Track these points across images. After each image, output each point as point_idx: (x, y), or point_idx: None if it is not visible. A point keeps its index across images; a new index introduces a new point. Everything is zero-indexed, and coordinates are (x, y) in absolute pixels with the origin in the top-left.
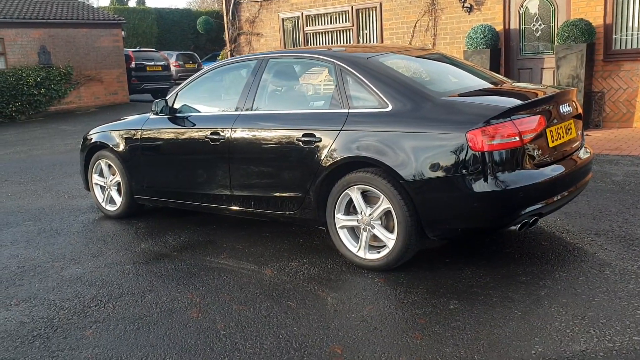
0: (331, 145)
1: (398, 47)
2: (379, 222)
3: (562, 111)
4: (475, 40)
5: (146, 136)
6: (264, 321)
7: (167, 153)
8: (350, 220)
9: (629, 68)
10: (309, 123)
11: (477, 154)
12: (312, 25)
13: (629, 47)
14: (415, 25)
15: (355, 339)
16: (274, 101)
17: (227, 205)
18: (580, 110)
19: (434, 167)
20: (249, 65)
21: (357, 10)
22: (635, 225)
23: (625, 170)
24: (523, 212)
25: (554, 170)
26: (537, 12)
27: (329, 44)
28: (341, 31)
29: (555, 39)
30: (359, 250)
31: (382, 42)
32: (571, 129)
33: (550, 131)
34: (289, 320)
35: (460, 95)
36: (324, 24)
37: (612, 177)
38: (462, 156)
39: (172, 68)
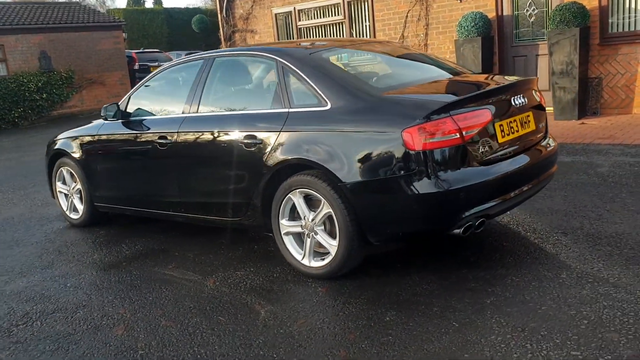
0: (272, 147)
1: (360, 40)
2: (322, 227)
3: (515, 103)
4: (466, 28)
5: (100, 142)
6: (187, 339)
7: (119, 159)
8: (295, 226)
9: (626, 52)
10: (251, 124)
11: (414, 153)
12: (305, 19)
13: (626, 29)
14: (407, 16)
15: (275, 358)
16: (219, 102)
17: (178, 211)
18: (542, 101)
19: (372, 168)
20: (196, 65)
21: (349, 3)
22: (608, 221)
23: (613, 160)
24: (466, 214)
25: (505, 167)
26: None
27: (321, 37)
28: (333, 25)
29: (548, 23)
30: (303, 258)
31: (374, 34)
32: (529, 121)
33: (501, 125)
34: (214, 337)
35: (403, 90)
36: (316, 17)
37: (597, 169)
38: (398, 156)
39: None
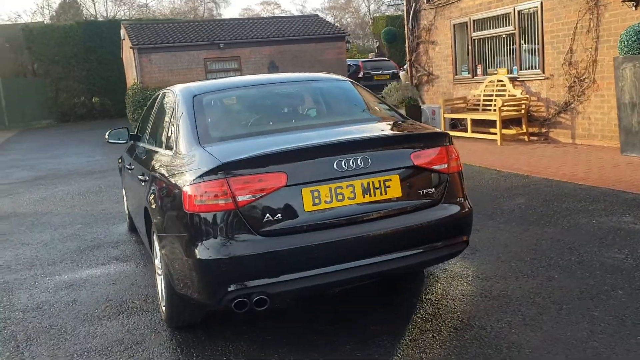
0: (147, 187)
1: (290, 78)
2: None
3: (344, 166)
4: (626, 44)
5: (122, 160)
6: None
7: (125, 176)
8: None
9: None
10: (146, 160)
11: (188, 214)
12: (479, 30)
13: None
14: (575, 26)
15: None
16: (151, 134)
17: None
18: (430, 162)
19: (167, 222)
20: (161, 95)
21: (519, 12)
22: (532, 326)
23: None
24: (232, 289)
25: (305, 239)
26: None
27: (493, 50)
28: (505, 36)
29: None
30: (162, 301)
31: (542, 47)
32: (389, 186)
33: (315, 191)
34: None
35: (229, 143)
36: (489, 28)
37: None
38: (179, 215)
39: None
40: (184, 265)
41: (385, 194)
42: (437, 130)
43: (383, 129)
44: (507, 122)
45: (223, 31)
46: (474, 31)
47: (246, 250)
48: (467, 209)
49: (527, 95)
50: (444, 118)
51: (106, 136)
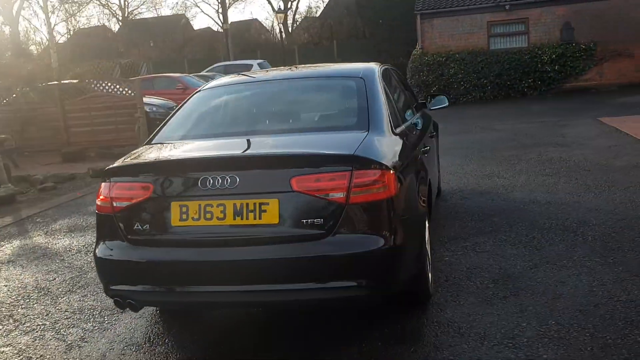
0: None
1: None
2: None
3: (210, 184)
4: None
5: None
6: None
7: None
8: None
9: None
10: None
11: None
12: None
13: None
14: None
15: None
16: None
17: None
18: (308, 188)
19: None
20: None
21: None
22: None
23: None
24: (112, 288)
25: (161, 253)
26: None
27: None
28: None
29: None
30: None
31: None
32: (265, 211)
33: (184, 206)
34: None
35: (174, 144)
36: None
37: None
38: None
39: None
40: None
41: (260, 218)
42: (335, 152)
43: (304, 144)
44: None
45: None
46: None
47: (116, 254)
48: (372, 249)
49: None
50: None
51: None
